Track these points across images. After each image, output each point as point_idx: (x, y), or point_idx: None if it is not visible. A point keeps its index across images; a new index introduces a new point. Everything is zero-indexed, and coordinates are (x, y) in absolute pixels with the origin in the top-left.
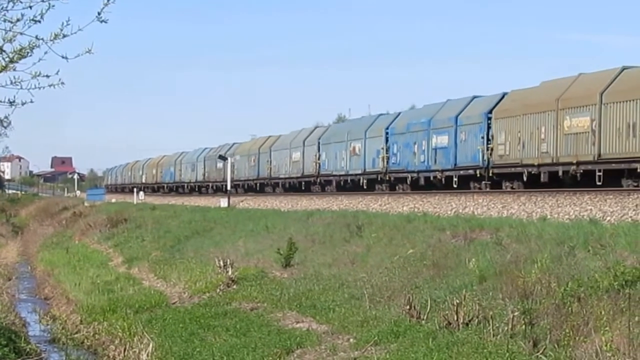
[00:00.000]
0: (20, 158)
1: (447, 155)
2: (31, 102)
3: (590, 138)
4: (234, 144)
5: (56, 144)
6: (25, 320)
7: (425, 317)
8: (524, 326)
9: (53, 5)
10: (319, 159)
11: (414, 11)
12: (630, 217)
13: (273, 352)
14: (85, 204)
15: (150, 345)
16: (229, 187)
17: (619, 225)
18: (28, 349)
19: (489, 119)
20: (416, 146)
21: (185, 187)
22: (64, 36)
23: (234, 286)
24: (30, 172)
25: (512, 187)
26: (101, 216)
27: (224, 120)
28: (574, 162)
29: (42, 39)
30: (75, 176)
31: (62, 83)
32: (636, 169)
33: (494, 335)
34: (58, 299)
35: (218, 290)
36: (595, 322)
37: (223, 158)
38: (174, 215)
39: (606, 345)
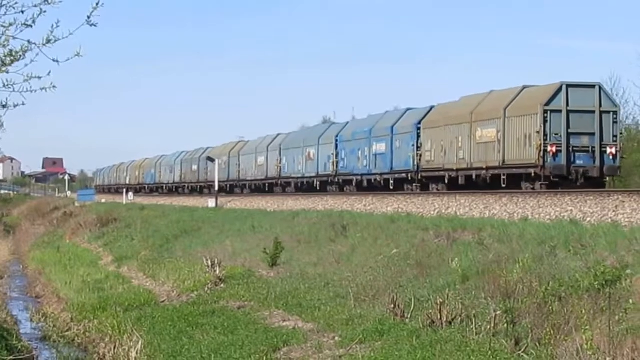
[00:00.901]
0: (12, 159)
1: (385, 160)
2: (23, 104)
3: (496, 147)
4: (207, 148)
5: (47, 145)
6: (17, 318)
7: (409, 316)
8: (506, 325)
9: (45, 11)
10: (280, 163)
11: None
12: (610, 218)
13: (260, 350)
14: (76, 204)
15: (140, 342)
16: (216, 188)
17: (599, 226)
18: (20, 347)
19: (419, 129)
20: (360, 152)
21: (164, 187)
22: (56, 41)
23: (222, 285)
24: (22, 172)
25: (437, 189)
26: (91, 216)
27: (214, 123)
28: (484, 167)
29: (35, 43)
30: (66, 177)
31: (54, 87)
32: (531, 173)
33: (476, 334)
34: (49, 297)
35: (206, 289)
36: (576, 321)
37: (211, 160)
38: (163, 215)
39: (587, 344)
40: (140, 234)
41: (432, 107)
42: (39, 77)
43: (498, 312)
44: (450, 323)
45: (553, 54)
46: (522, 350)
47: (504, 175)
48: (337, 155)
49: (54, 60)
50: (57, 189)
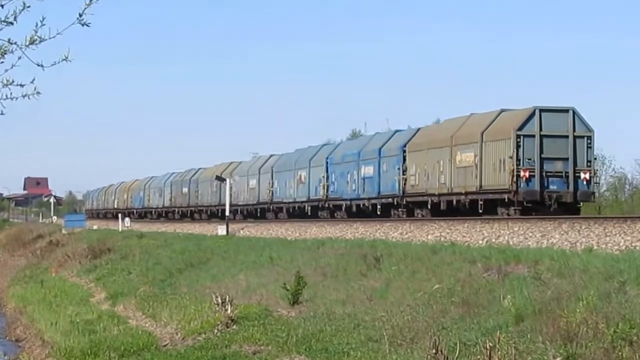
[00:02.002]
0: None
1: (372, 184)
2: (1, 114)
3: (474, 171)
4: (199, 169)
5: (30, 163)
6: None
7: None
8: None
9: (28, 6)
10: (272, 186)
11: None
12: None
13: None
14: (63, 231)
15: None
16: (227, 213)
17: None
18: None
19: (404, 152)
20: (349, 175)
21: (153, 212)
22: (41, 40)
23: (234, 326)
24: (0, 194)
25: (422, 215)
26: (81, 245)
27: (226, 138)
28: (463, 192)
29: (16, 43)
30: (52, 199)
31: (38, 93)
32: (505, 199)
33: None
34: (32, 340)
35: (215, 330)
36: None
37: (221, 179)
38: (165, 244)
39: None
40: (139, 266)
41: (418, 130)
42: (21, 85)
43: (558, 359)
44: None
45: None
46: None
47: (481, 200)
48: (327, 179)
49: (38, 65)
50: (40, 214)
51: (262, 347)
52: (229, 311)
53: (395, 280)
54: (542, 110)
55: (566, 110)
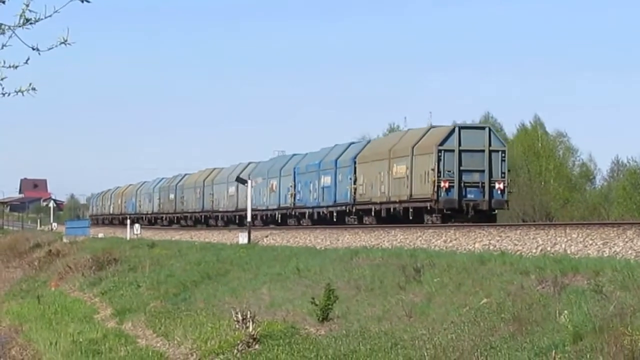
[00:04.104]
0: None
1: (330, 193)
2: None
3: (406, 182)
4: (185, 174)
5: (27, 163)
6: None
7: None
8: None
9: None
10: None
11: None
12: None
13: None
14: (64, 239)
15: None
16: (249, 218)
17: None
18: None
19: (355, 163)
20: (312, 185)
21: (144, 218)
22: (36, 21)
23: (256, 346)
24: None
25: (369, 222)
26: (84, 255)
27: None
28: (398, 200)
29: (7, 25)
30: (51, 204)
31: (34, 89)
32: (427, 206)
33: None
34: None
35: (235, 351)
36: None
37: (242, 181)
38: (179, 254)
39: None
40: (149, 279)
41: (368, 142)
42: (15, 67)
43: None
44: None
45: None
46: None
47: (411, 208)
48: (295, 187)
49: (33, 48)
50: (38, 220)
51: None
52: (250, 329)
53: (437, 294)
54: (461, 128)
55: (483, 128)
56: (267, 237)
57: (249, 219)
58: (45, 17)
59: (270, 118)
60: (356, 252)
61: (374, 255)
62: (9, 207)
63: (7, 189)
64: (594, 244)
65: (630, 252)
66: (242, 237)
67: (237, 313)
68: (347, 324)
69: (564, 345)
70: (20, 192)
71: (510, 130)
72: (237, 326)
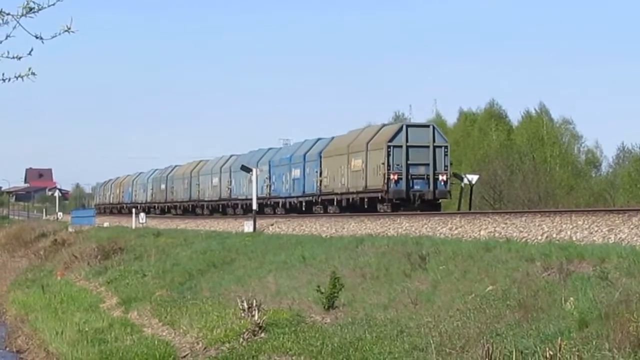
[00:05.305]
0: None
1: (299, 185)
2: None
3: (362, 174)
4: (175, 166)
5: (32, 152)
6: None
7: None
8: None
9: None
10: (230, 184)
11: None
12: None
13: None
14: (70, 229)
15: None
16: (254, 206)
17: None
18: None
19: (321, 157)
20: (284, 177)
21: (138, 207)
22: (39, 9)
23: (262, 334)
24: None
25: (333, 210)
26: (90, 245)
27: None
28: (355, 191)
29: (9, 13)
30: (57, 193)
31: (33, 74)
32: (379, 197)
33: None
34: (35, 351)
35: (241, 339)
36: None
37: (247, 170)
38: (184, 243)
39: None
40: (155, 268)
41: (332, 138)
42: (18, 58)
43: None
44: None
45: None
46: None
47: (366, 198)
48: (270, 179)
49: (36, 37)
50: (44, 209)
51: (293, 358)
52: (256, 317)
53: (443, 281)
54: (408, 126)
55: (427, 126)
56: (272, 225)
57: (254, 207)
58: (48, 6)
59: (277, 107)
60: (361, 240)
61: (380, 243)
62: (14, 197)
63: (13, 179)
64: (599, 230)
65: (635, 238)
66: (248, 226)
67: (242, 302)
68: (352, 312)
69: (570, 332)
70: (25, 181)
71: (515, 118)
72: (242, 315)
